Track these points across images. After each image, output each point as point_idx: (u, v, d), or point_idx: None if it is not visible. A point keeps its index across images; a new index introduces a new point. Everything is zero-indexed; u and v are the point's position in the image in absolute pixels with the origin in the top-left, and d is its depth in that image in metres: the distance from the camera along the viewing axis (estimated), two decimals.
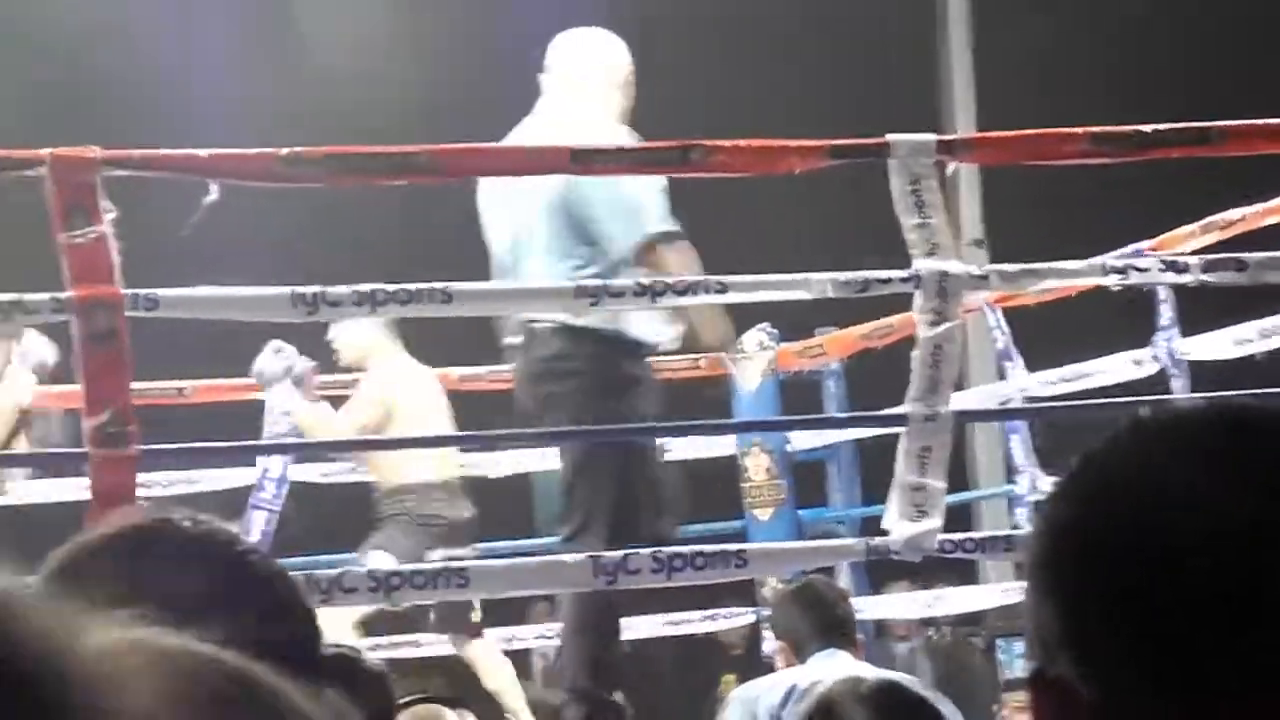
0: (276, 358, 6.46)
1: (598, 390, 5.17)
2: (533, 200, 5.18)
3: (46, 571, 1.41)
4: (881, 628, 8.86)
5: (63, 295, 4.17)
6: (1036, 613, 1.04)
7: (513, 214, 5.27)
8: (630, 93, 5.43)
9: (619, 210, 5.14)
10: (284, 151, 4.39)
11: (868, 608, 6.80)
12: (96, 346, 4.15)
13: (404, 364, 6.83)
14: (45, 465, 6.58)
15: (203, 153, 4.40)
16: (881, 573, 7.52)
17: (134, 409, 4.22)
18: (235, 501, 6.61)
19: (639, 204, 5.15)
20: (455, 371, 7.13)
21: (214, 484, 6.83)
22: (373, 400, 6.68)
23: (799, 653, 4.62)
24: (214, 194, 4.35)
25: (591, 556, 4.48)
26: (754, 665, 8.64)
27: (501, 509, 8.41)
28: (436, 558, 6.09)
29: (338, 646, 2.37)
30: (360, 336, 6.77)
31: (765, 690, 4.52)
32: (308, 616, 1.48)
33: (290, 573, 1.55)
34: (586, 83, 5.36)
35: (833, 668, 4.26)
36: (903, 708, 3.02)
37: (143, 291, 4.21)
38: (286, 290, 4.36)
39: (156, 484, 6.34)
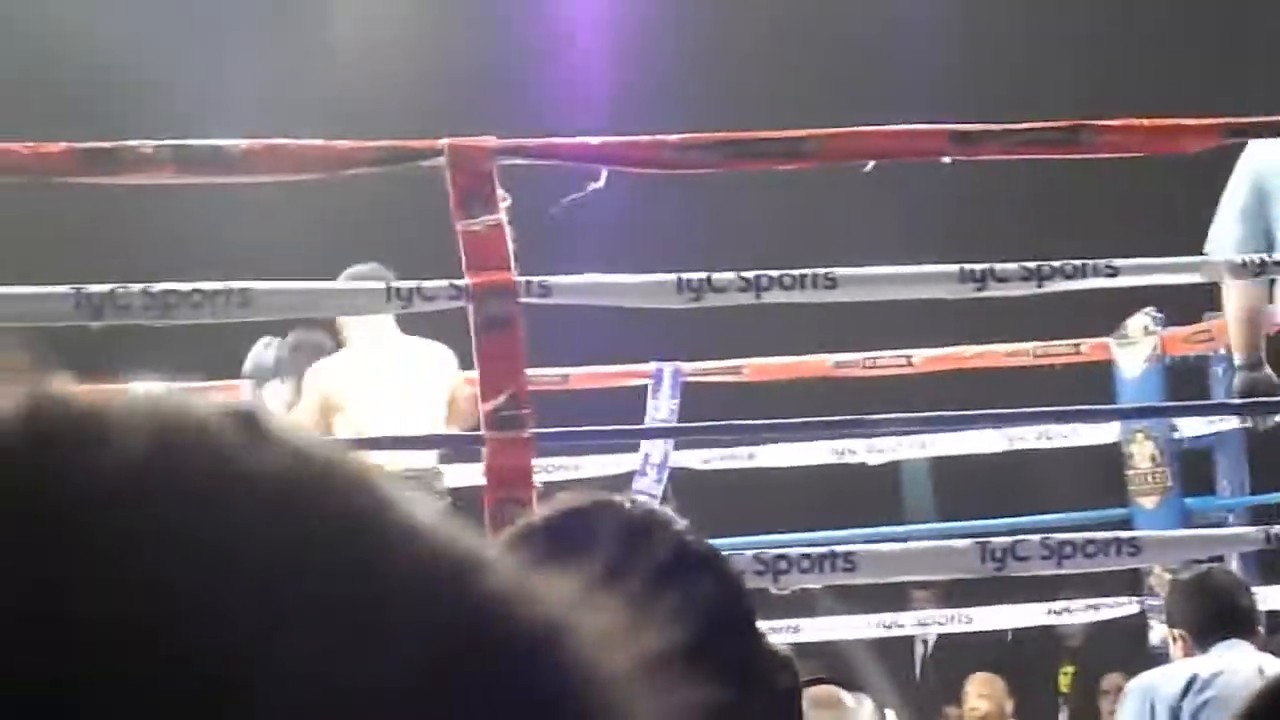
0: (265, 353, 6.37)
1: None
2: None
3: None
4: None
5: (460, 282, 4.28)
6: None
7: None
8: None
9: None
10: (673, 138, 4.44)
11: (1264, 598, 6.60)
12: (492, 332, 4.26)
13: (361, 355, 6.27)
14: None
15: (593, 141, 4.48)
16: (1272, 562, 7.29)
17: (527, 393, 4.31)
18: (618, 486, 6.71)
19: None
20: (830, 358, 7.14)
21: (597, 469, 6.94)
22: (307, 390, 6.29)
23: (1200, 643, 4.51)
24: (601, 181, 4.43)
25: (979, 542, 4.43)
26: (1097, 656, 8.48)
27: (872, 496, 8.41)
28: None
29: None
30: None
31: (1164, 680, 4.42)
32: (744, 596, 1.50)
33: (723, 553, 1.56)
34: None
35: (1235, 659, 4.15)
36: None
37: (536, 278, 4.30)
38: (672, 277, 4.41)
39: (542, 469, 6.45)
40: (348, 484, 0.46)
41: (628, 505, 1.48)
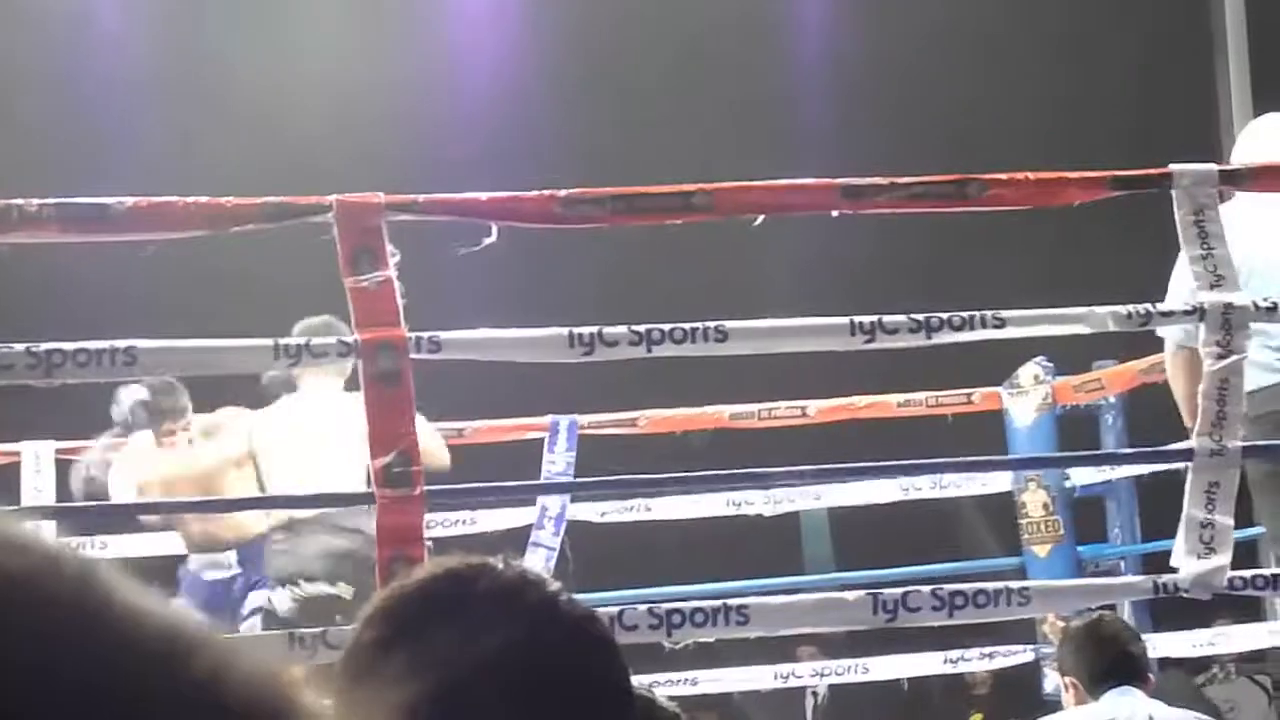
0: (130, 403, 6.43)
1: None
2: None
3: (369, 613, 1.44)
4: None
5: (349, 338, 4.26)
6: None
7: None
8: None
9: None
10: (563, 193, 4.45)
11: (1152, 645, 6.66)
12: (382, 388, 4.24)
13: (289, 409, 6.27)
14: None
15: (482, 196, 4.47)
16: (1162, 610, 7.36)
17: (418, 450, 4.29)
18: (515, 542, 6.70)
19: None
20: (727, 409, 7.16)
21: (493, 524, 6.92)
22: (238, 434, 6.34)
23: (1091, 690, 4.54)
24: (493, 236, 4.43)
25: (871, 593, 4.45)
26: (1002, 704, 8.53)
27: (770, 548, 8.43)
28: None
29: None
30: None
31: None
32: (618, 657, 1.49)
33: (597, 613, 1.56)
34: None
35: (1126, 706, 4.18)
36: None
37: (426, 334, 4.28)
38: (563, 331, 4.41)
39: (436, 524, 6.44)
40: (70, 578, 0.49)
41: (500, 567, 1.48)
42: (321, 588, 5.91)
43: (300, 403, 6.25)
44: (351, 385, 6.05)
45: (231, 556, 6.56)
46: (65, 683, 0.47)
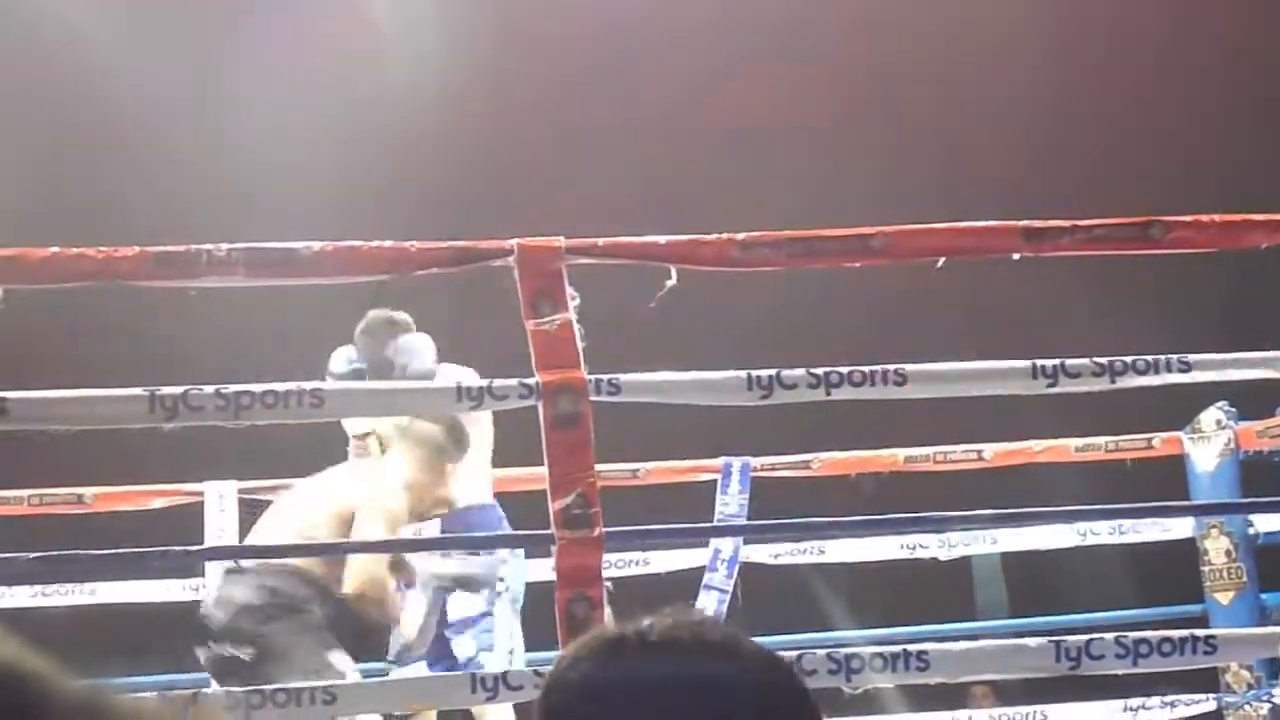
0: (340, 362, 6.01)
1: None
2: None
3: (550, 676, 1.41)
4: None
5: (530, 380, 4.29)
6: None
7: None
8: None
9: None
10: (741, 236, 4.46)
11: None
12: (562, 430, 4.26)
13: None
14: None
15: (661, 240, 4.49)
16: None
17: (596, 491, 4.30)
18: (688, 582, 6.70)
19: None
20: (901, 452, 7.11)
21: (666, 565, 6.93)
22: None
23: None
24: (673, 279, 4.44)
25: (1054, 640, 4.39)
26: None
27: (944, 591, 8.35)
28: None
29: None
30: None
31: None
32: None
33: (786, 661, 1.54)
34: None
35: None
36: None
37: (606, 376, 4.31)
38: (742, 374, 4.41)
39: (610, 565, 6.44)
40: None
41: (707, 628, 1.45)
42: None
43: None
44: None
45: None
46: None
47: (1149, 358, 4.53)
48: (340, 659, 5.14)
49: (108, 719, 0.78)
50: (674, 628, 1.42)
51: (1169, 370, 4.51)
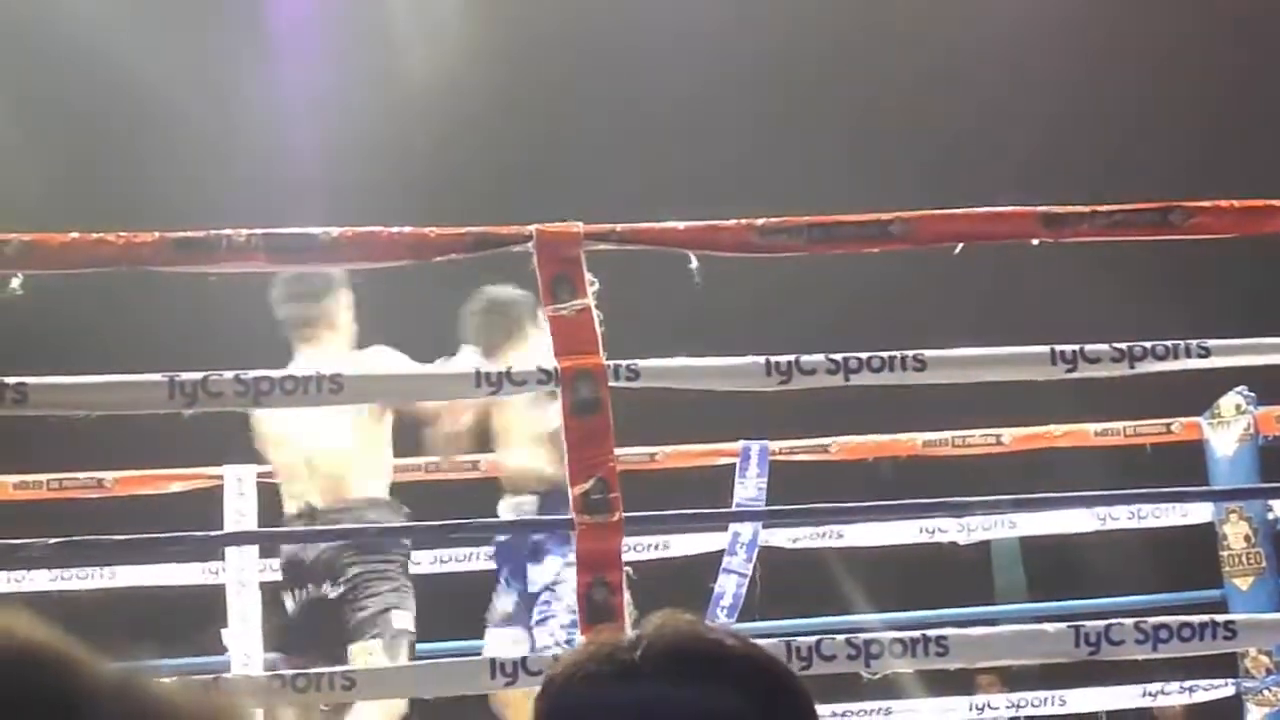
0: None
1: None
2: None
3: (545, 689, 1.39)
4: None
5: (549, 366, 4.30)
6: None
7: None
8: None
9: None
10: (760, 222, 4.45)
11: None
12: (581, 416, 4.27)
13: None
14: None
15: (680, 225, 4.49)
16: None
17: (616, 476, 4.31)
18: (706, 566, 6.69)
19: None
20: (920, 436, 7.10)
21: (685, 549, 6.92)
22: None
23: None
24: (694, 264, 4.44)
25: (1073, 625, 4.38)
26: None
27: (963, 575, 8.34)
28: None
29: None
30: None
31: None
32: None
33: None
34: None
35: None
36: None
37: (624, 362, 4.31)
38: (760, 359, 4.41)
39: (630, 549, 6.43)
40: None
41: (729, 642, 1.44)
42: None
43: None
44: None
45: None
46: None
47: (1168, 343, 4.52)
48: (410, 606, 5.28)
49: (145, 701, 0.80)
50: (667, 639, 1.39)
51: (1188, 355, 4.51)
